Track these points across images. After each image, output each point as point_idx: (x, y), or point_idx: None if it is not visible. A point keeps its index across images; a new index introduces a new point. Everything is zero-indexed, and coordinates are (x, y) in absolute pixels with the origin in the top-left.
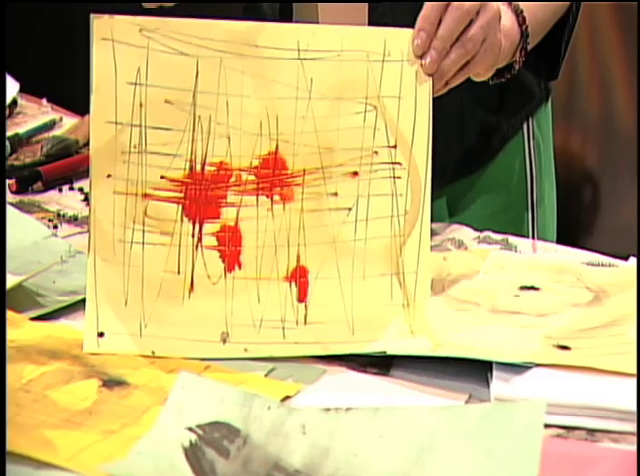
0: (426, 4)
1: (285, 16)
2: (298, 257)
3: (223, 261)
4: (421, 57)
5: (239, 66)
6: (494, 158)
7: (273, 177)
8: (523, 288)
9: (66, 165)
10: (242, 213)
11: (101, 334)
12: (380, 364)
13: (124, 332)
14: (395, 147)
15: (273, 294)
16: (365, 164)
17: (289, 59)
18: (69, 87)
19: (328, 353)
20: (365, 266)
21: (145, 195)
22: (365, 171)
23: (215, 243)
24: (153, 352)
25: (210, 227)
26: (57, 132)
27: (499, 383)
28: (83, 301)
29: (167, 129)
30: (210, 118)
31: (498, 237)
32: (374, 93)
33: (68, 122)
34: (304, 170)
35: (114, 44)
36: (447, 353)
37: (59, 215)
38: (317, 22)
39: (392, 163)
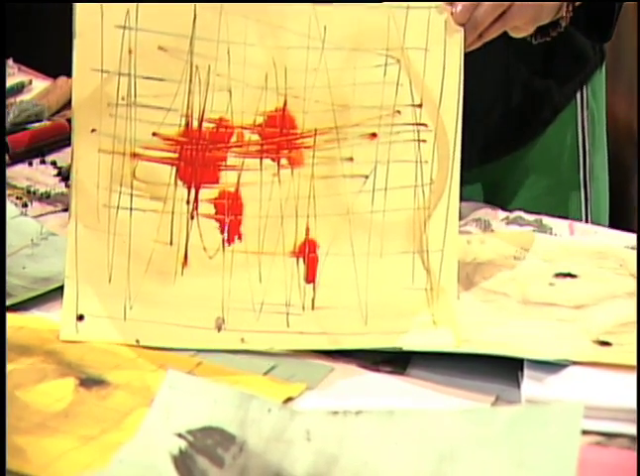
0: None
1: None
2: (307, 229)
3: (221, 232)
4: (451, 4)
5: (242, 10)
6: (544, 131)
7: (280, 137)
8: (559, 275)
9: (37, 134)
10: (244, 178)
11: (80, 317)
12: (396, 361)
13: (106, 315)
14: (420, 106)
15: (278, 271)
16: (385, 125)
17: (300, 3)
18: (40, 44)
19: (336, 347)
20: (383, 242)
21: (134, 154)
22: (385, 133)
23: (213, 211)
24: (137, 341)
25: (207, 193)
26: (26, 97)
27: (531, 383)
28: (57, 290)
29: (160, 79)
30: (209, 68)
31: (530, 218)
32: (397, 44)
33: (38, 85)
34: (316, 130)
35: None
36: (471, 349)
37: (29, 192)
38: None
39: (417, 124)
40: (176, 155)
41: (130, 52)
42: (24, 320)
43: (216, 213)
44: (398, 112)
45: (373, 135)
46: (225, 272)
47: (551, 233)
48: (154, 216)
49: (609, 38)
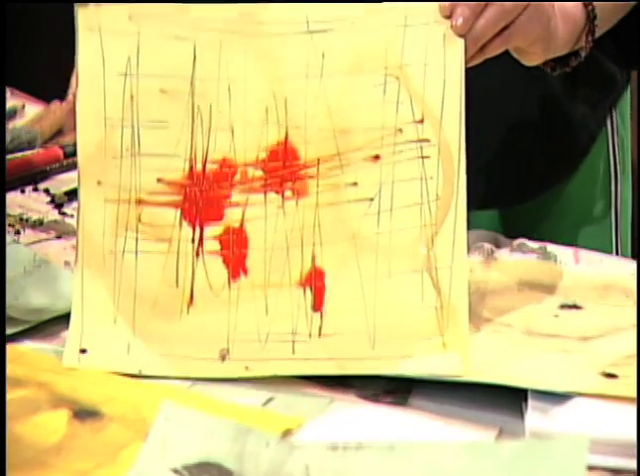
0: None
1: None
2: (313, 258)
3: (227, 267)
4: (451, 16)
5: (241, 46)
6: (582, 161)
7: (284, 169)
8: (563, 306)
9: (30, 162)
10: (248, 213)
11: (83, 351)
12: (397, 391)
13: (110, 349)
14: (422, 122)
15: (284, 302)
16: (387, 145)
17: (297, 34)
18: (33, 68)
19: (342, 372)
20: (390, 262)
21: (139, 201)
22: (388, 153)
23: (218, 247)
24: (140, 371)
25: (212, 230)
26: (19, 122)
27: (535, 415)
28: (51, 321)
29: (163, 122)
30: (210, 108)
31: (535, 245)
32: (396, 62)
33: (32, 110)
34: (318, 159)
35: (101, 33)
36: (475, 380)
37: (22, 219)
38: None
39: (419, 140)
40: (180, 197)
41: (132, 97)
42: (16, 352)
43: (221, 249)
44: (400, 131)
45: (376, 157)
46: (231, 307)
47: (556, 261)
48: (159, 257)
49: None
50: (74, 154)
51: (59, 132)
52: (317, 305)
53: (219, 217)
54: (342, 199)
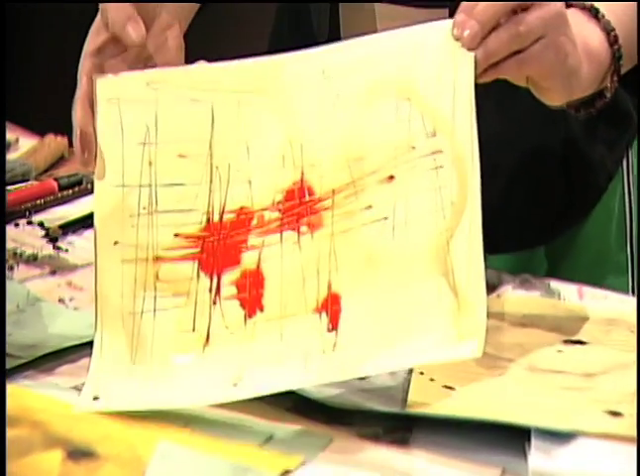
0: None
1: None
2: (329, 284)
3: (243, 308)
4: (461, 27)
5: (258, 104)
6: (599, 201)
7: (300, 207)
8: (567, 342)
9: (24, 195)
10: (264, 253)
11: (96, 398)
12: (397, 430)
13: (122, 396)
14: (434, 135)
15: (299, 328)
16: (401, 163)
17: (313, 83)
18: (27, 101)
19: (355, 376)
20: (407, 273)
21: (156, 259)
22: (402, 171)
23: (234, 292)
24: (150, 404)
25: (229, 276)
26: (13, 155)
27: (538, 455)
28: (44, 357)
29: (181, 185)
30: (229, 166)
31: (537, 281)
32: (406, 83)
33: (25, 144)
34: (333, 190)
35: (120, 103)
36: (476, 418)
37: (15, 254)
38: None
39: (432, 153)
40: (198, 249)
41: (150, 163)
42: (9, 390)
43: (238, 293)
44: (413, 148)
45: (391, 177)
46: (246, 342)
47: (559, 297)
48: (177, 311)
49: None
50: (69, 187)
51: (54, 165)
52: (333, 326)
53: (236, 263)
54: (356, 224)
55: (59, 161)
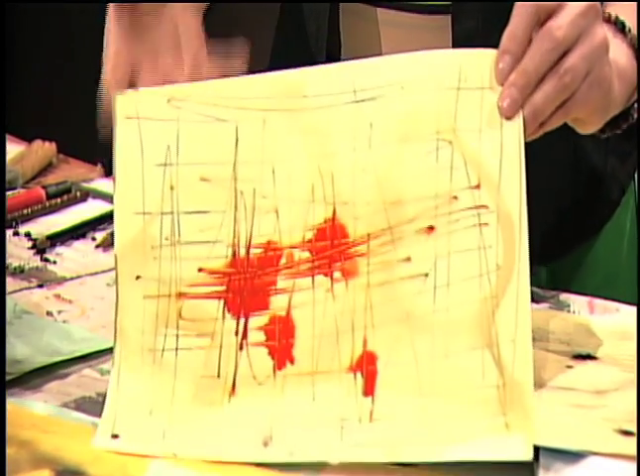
0: (514, 14)
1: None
2: (365, 342)
3: (272, 358)
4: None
5: (285, 125)
6: (611, 216)
7: (332, 249)
8: (577, 357)
9: (10, 204)
10: (295, 299)
11: (115, 436)
12: None
13: (144, 436)
14: (478, 187)
15: (333, 388)
16: (442, 215)
17: (344, 105)
18: (13, 106)
19: (396, 460)
20: (448, 341)
21: (180, 294)
22: (442, 223)
23: (263, 338)
24: (175, 454)
25: (257, 320)
26: None
27: (546, 475)
28: (32, 372)
29: (204, 212)
30: (254, 192)
31: (547, 294)
32: (448, 126)
33: (12, 150)
34: (368, 234)
35: (140, 121)
36: None
37: None
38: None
39: (476, 207)
40: (224, 287)
41: (172, 188)
42: None
43: (266, 340)
44: (455, 198)
45: (431, 228)
46: (276, 394)
47: (569, 310)
48: (200, 353)
49: None
50: (57, 195)
51: (41, 172)
52: (368, 390)
53: (265, 306)
54: (394, 277)
55: (48, 168)
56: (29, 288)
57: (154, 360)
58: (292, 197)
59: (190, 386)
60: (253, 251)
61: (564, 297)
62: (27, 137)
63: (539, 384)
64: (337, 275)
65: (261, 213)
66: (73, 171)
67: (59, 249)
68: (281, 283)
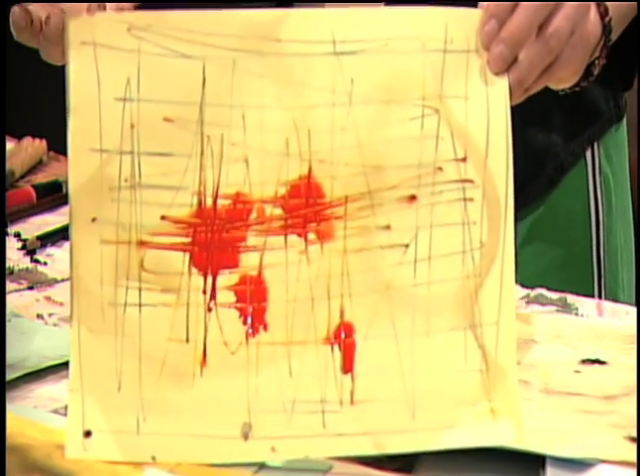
0: None
1: None
2: (342, 311)
3: (244, 322)
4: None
5: (257, 68)
6: (548, 195)
7: (306, 208)
8: (585, 362)
9: None
10: (267, 258)
11: (88, 433)
12: (402, 456)
13: (117, 429)
14: (465, 160)
15: (310, 363)
16: (425, 185)
17: (322, 55)
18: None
19: (382, 452)
20: (429, 319)
21: (141, 243)
22: (425, 194)
23: (233, 299)
24: (154, 458)
25: (226, 279)
26: None
27: None
28: (22, 378)
29: (168, 155)
30: (222, 138)
31: (554, 296)
32: (434, 92)
33: None
34: (346, 197)
35: (96, 49)
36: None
37: None
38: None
39: (461, 181)
40: (189, 239)
41: (132, 126)
42: None
43: (237, 301)
44: (440, 169)
45: (413, 197)
46: (250, 369)
47: (577, 314)
48: (166, 311)
49: (630, 86)
50: (48, 194)
51: (31, 170)
52: (347, 366)
53: (234, 264)
54: (373, 245)
55: (38, 166)
56: (18, 290)
57: (115, 316)
58: (264, 148)
59: (158, 352)
60: (220, 202)
61: (571, 299)
62: (16, 134)
63: (546, 389)
64: (311, 236)
65: (229, 161)
66: (64, 168)
67: (50, 250)
68: (252, 239)
